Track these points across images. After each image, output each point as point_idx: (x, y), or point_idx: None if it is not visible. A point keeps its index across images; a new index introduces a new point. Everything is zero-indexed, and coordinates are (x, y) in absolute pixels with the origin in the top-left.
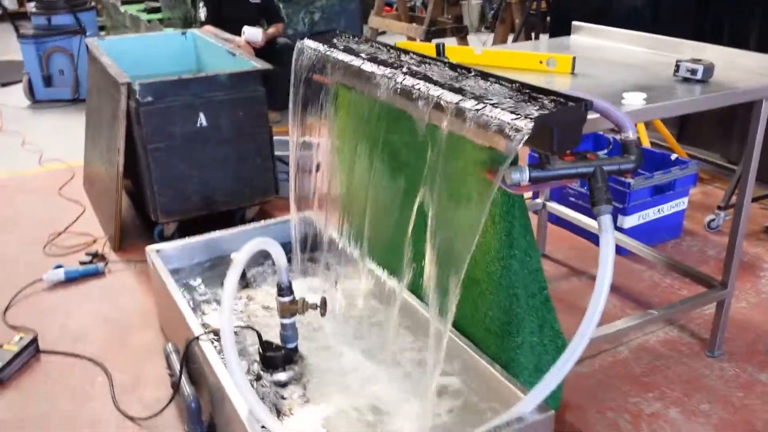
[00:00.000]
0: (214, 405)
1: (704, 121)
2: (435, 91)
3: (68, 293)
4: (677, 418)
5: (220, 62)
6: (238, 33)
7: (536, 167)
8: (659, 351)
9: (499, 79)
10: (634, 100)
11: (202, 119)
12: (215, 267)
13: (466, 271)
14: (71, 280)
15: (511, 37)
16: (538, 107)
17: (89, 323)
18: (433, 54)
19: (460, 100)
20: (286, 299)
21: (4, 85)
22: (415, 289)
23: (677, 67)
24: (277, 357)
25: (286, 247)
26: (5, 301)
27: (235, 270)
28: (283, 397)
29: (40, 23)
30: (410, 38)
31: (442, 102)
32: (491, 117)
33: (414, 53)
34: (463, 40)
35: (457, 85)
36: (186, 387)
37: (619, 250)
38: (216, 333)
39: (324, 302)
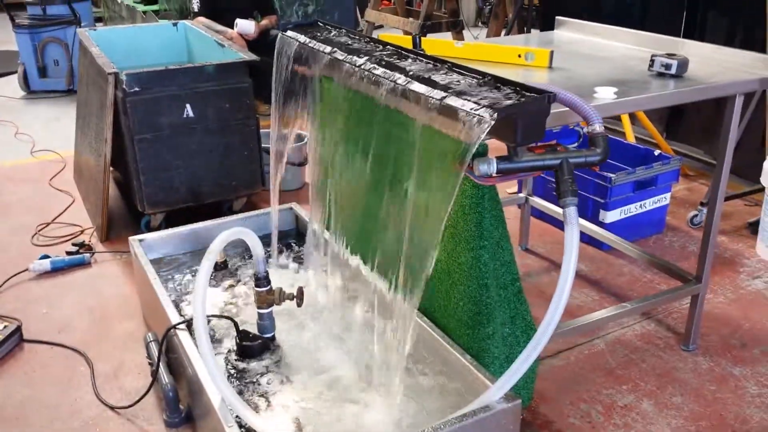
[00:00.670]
0: (191, 394)
1: (692, 118)
2: (403, 81)
3: (54, 283)
4: (649, 410)
5: (210, 54)
6: (232, 25)
7: (504, 159)
8: (635, 344)
9: (469, 71)
10: (605, 94)
11: (189, 110)
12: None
13: (439, 262)
14: (57, 270)
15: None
16: (502, 98)
17: (73, 313)
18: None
19: (427, 90)
20: (263, 289)
21: (0, 75)
22: (385, 274)
23: (652, 61)
24: (254, 347)
25: (266, 239)
26: None
27: (209, 258)
28: (259, 385)
29: (36, 13)
30: (406, 32)
31: (408, 92)
32: (455, 107)
33: (391, 45)
34: (458, 34)
35: (426, 76)
36: (164, 376)
37: (601, 245)
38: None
39: (301, 293)
